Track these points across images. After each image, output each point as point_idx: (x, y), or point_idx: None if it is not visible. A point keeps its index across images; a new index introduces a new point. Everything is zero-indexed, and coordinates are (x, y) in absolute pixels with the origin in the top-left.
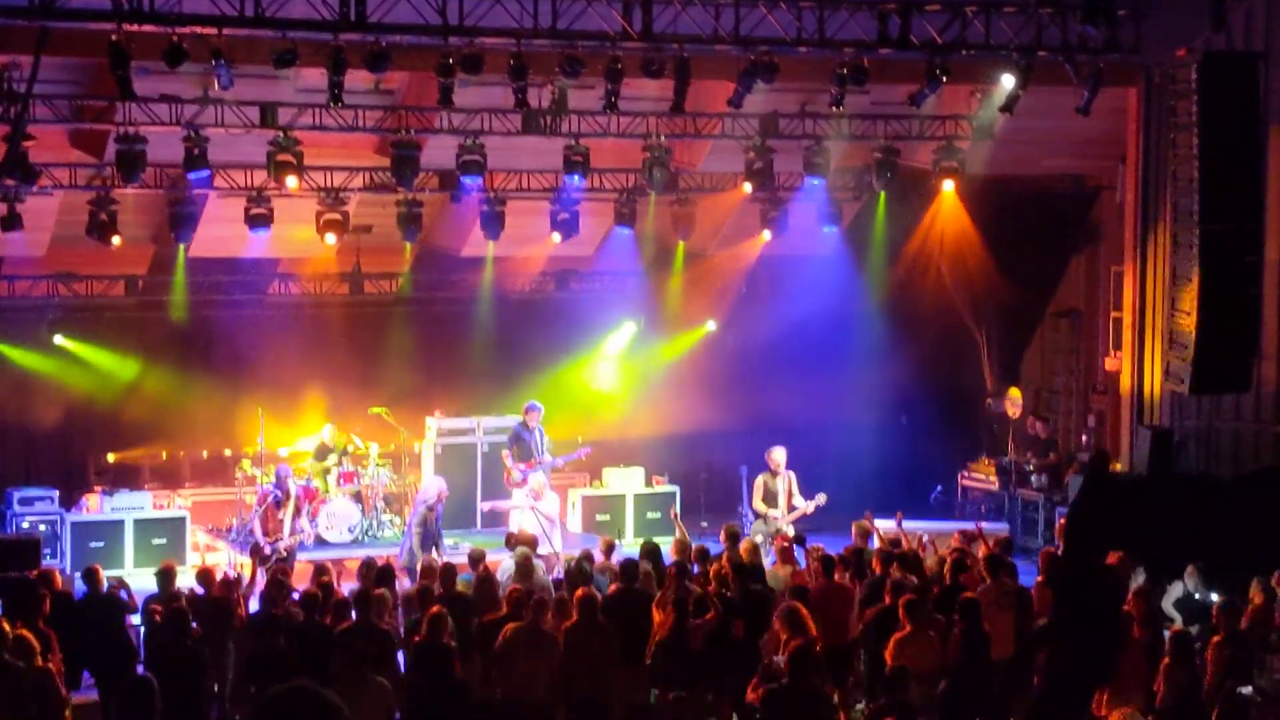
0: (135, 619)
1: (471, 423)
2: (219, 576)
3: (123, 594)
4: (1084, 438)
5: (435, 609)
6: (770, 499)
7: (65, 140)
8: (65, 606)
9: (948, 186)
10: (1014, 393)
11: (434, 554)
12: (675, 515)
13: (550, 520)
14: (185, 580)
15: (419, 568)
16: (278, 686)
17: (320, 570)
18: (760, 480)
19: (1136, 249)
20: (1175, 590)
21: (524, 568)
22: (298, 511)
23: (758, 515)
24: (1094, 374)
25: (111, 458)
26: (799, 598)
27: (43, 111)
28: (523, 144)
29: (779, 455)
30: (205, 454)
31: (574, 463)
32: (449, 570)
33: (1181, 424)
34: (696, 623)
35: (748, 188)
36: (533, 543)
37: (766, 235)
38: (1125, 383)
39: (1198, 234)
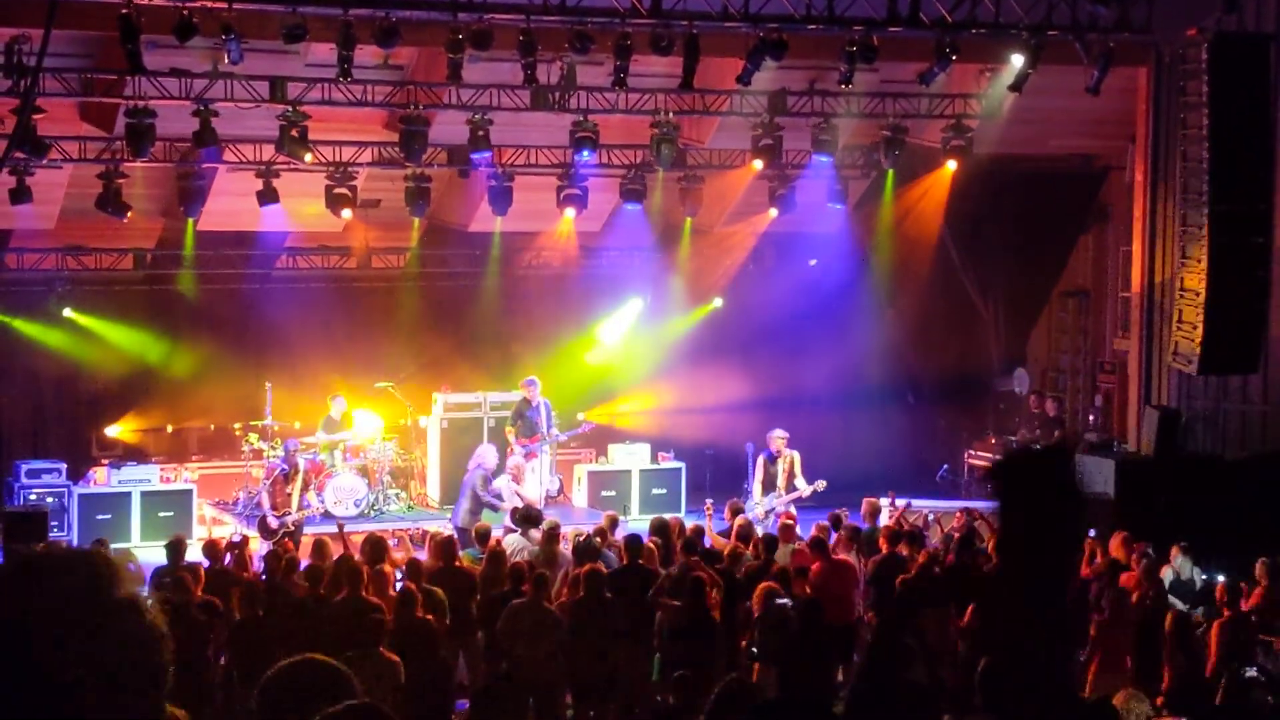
0: (142, 592)
1: (478, 397)
2: (225, 543)
3: (130, 567)
4: (1091, 417)
5: (404, 586)
6: (769, 482)
7: (75, 113)
8: None
9: (951, 166)
10: (1021, 371)
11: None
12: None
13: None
14: (193, 553)
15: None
16: (289, 660)
17: (320, 544)
18: (760, 461)
19: (1145, 229)
20: (1167, 574)
21: (552, 536)
22: (305, 485)
23: (751, 496)
24: (1101, 354)
25: (117, 431)
26: (801, 576)
27: (52, 85)
28: (531, 120)
29: (778, 438)
30: (212, 427)
31: (578, 437)
32: (447, 543)
33: (1189, 405)
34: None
35: (758, 164)
36: (537, 519)
37: (774, 212)
38: (1133, 363)
39: (1207, 215)
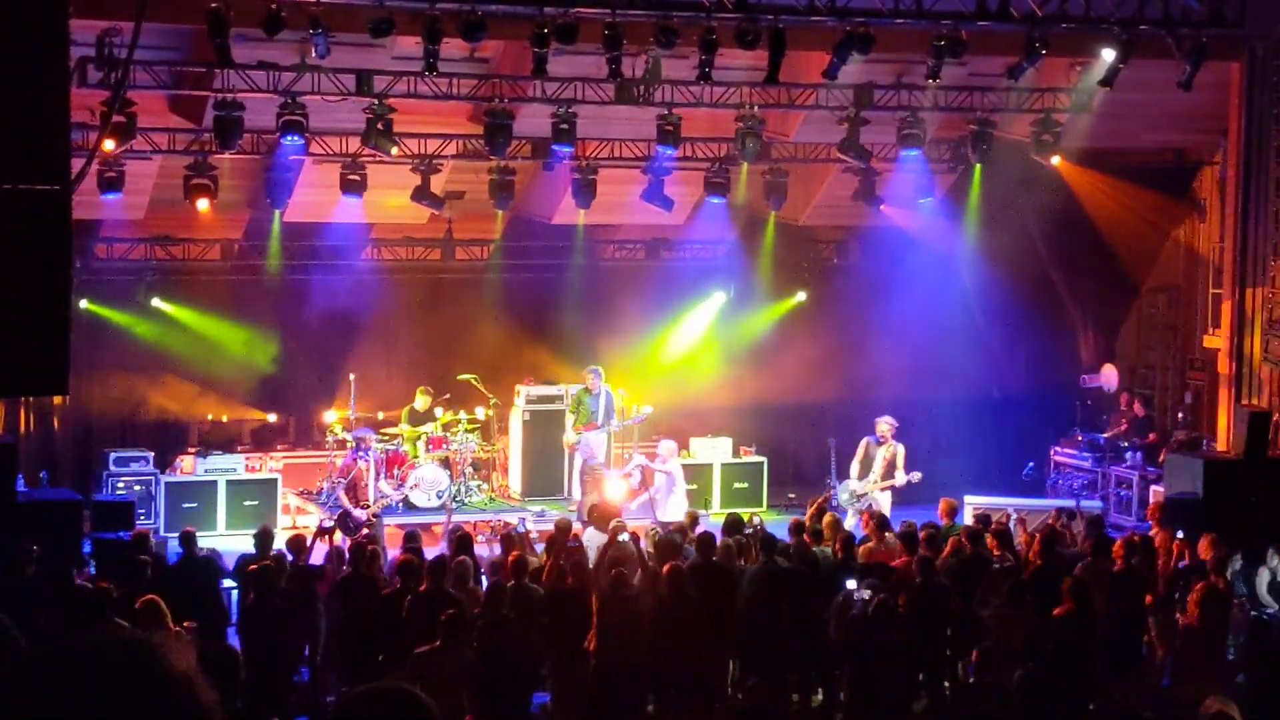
0: (228, 582)
1: (560, 390)
2: (315, 531)
3: (218, 560)
4: (1180, 415)
5: (494, 581)
6: (866, 465)
7: (165, 105)
8: (158, 569)
9: (1055, 161)
10: (1110, 368)
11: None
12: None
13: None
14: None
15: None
16: (364, 686)
17: (411, 537)
18: (863, 444)
19: (1237, 226)
20: (1264, 575)
21: (618, 533)
22: (378, 475)
23: (847, 479)
24: (1191, 351)
25: (334, 416)
26: (880, 574)
27: (143, 77)
28: (615, 113)
29: (885, 424)
30: (297, 417)
31: (642, 425)
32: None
33: None
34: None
35: (858, 161)
36: (615, 514)
37: (870, 206)
38: (1223, 361)
39: None
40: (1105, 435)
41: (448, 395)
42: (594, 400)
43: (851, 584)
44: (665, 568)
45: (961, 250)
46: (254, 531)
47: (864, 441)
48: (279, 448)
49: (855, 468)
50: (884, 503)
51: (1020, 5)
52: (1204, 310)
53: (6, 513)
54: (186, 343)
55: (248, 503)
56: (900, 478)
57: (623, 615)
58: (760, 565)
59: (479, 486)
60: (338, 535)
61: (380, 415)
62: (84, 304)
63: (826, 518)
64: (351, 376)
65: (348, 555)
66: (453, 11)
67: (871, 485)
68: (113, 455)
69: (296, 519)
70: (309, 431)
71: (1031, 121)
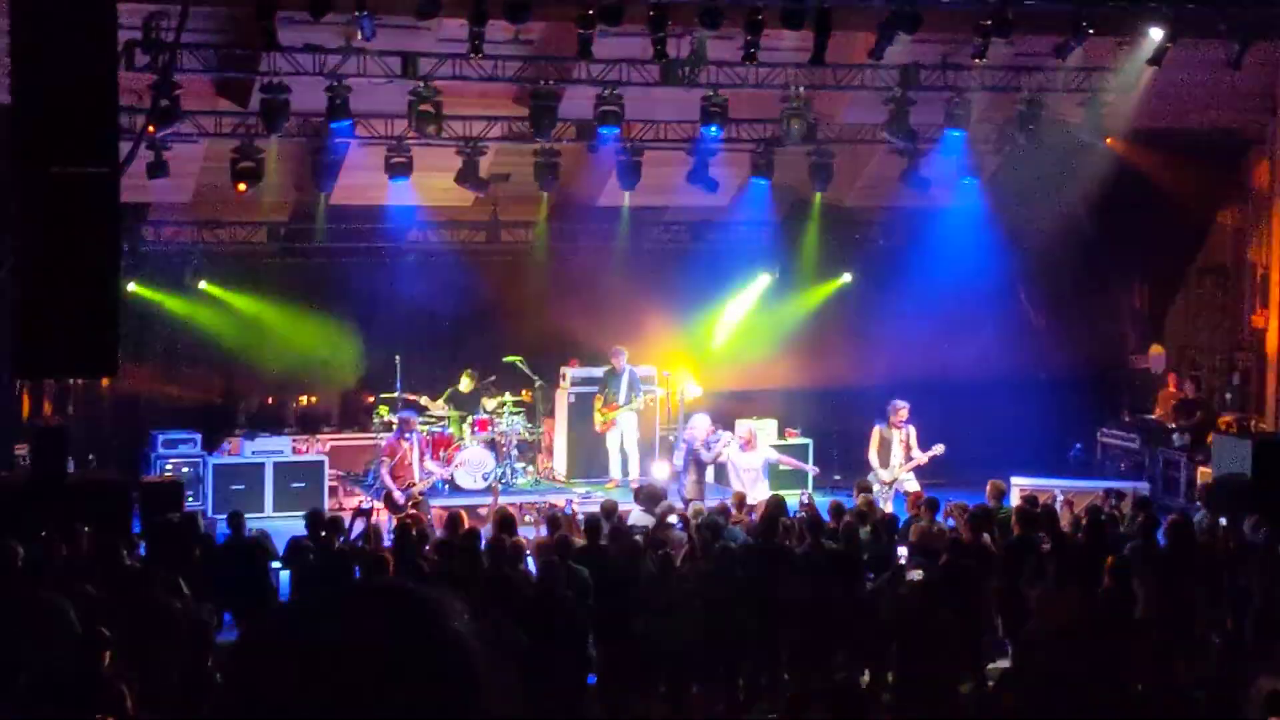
0: (276, 564)
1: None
2: (353, 511)
3: (268, 541)
4: (1228, 396)
5: (547, 561)
6: (884, 450)
7: (211, 89)
8: (208, 550)
9: (1106, 142)
10: (1157, 349)
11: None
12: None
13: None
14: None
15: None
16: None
17: (454, 519)
18: (876, 431)
19: None
20: None
21: (664, 516)
22: (423, 456)
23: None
24: (1240, 331)
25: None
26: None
27: (189, 60)
28: (660, 95)
29: (900, 408)
30: (343, 399)
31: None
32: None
33: None
34: None
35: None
36: (663, 495)
37: (916, 188)
38: (1272, 341)
39: None
40: (1153, 416)
41: (494, 377)
42: (616, 380)
43: (901, 563)
44: (711, 548)
45: (1008, 231)
46: (305, 513)
47: (876, 429)
48: (325, 430)
49: (874, 457)
50: (913, 484)
51: None
52: (1252, 291)
53: (57, 494)
54: (233, 325)
55: (295, 484)
56: (921, 455)
57: (669, 597)
58: (809, 548)
59: (524, 468)
60: (383, 514)
61: (422, 399)
62: (132, 287)
63: (863, 498)
64: (397, 358)
65: (388, 536)
66: None
67: (899, 470)
68: (161, 437)
69: (343, 501)
70: (355, 414)
71: (1079, 101)
